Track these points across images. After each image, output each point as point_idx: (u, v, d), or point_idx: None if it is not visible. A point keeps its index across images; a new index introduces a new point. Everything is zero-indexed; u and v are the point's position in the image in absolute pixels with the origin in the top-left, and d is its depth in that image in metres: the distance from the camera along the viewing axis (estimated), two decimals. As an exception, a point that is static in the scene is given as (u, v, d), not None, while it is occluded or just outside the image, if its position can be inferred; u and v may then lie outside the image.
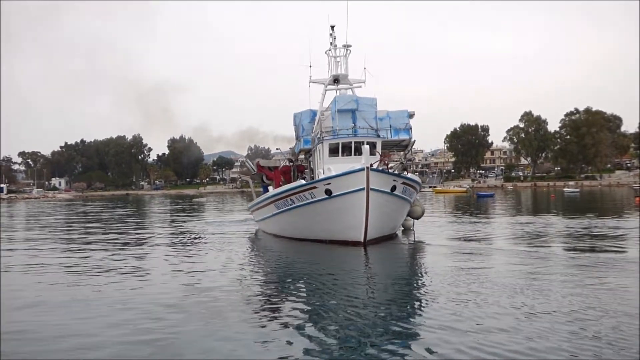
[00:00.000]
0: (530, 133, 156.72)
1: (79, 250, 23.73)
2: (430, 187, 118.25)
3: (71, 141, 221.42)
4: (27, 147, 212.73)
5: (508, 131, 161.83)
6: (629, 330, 9.13)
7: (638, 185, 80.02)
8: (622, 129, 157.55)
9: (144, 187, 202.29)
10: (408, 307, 11.55)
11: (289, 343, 9.08)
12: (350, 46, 28.73)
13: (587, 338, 8.69)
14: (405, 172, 23.69)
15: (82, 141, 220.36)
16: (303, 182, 23.91)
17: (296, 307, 11.58)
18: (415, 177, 25.60)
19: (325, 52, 29.22)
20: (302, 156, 32.27)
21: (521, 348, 8.29)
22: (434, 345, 8.61)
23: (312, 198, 22.16)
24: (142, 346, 9.06)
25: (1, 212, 67.27)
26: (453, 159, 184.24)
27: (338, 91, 29.23)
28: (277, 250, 23.26)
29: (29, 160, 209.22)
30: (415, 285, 14.41)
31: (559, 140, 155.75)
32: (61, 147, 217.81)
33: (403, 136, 28.37)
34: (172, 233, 31.75)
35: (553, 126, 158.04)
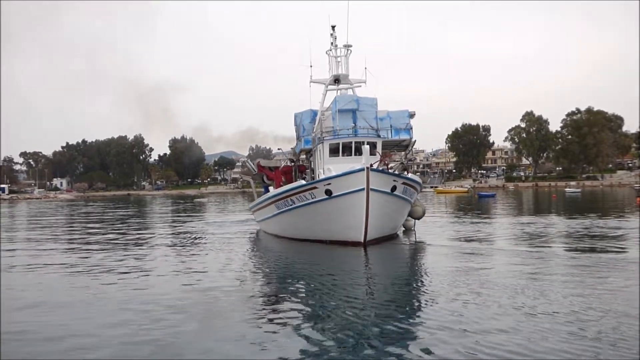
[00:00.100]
0: (532, 133, 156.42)
1: (80, 250, 23.73)
2: (431, 187, 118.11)
3: (71, 141, 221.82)
4: (27, 147, 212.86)
5: (509, 131, 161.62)
6: (629, 330, 9.11)
7: (639, 185, 79.90)
8: (624, 129, 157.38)
9: (145, 188, 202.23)
10: (407, 308, 11.54)
11: (289, 343, 9.08)
12: (351, 46, 28.76)
13: (587, 339, 8.69)
14: (405, 173, 23.67)
15: (84, 141, 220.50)
16: (303, 182, 23.91)
17: (296, 308, 11.59)
18: (416, 177, 25.58)
19: (326, 52, 29.24)
20: (303, 156, 32.28)
21: (521, 349, 8.28)
22: (434, 346, 8.61)
23: (313, 198, 22.15)
24: (142, 346, 9.07)
25: (3, 212, 67.32)
26: (454, 159, 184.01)
27: (339, 91, 29.24)
28: (277, 250, 23.26)
29: (30, 160, 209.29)
30: (414, 285, 14.38)
31: (560, 140, 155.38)
32: (62, 147, 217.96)
33: (404, 136, 28.36)
34: (173, 233, 31.76)
35: (554, 126, 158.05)
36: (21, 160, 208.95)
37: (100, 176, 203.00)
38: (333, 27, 28.99)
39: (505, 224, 32.26)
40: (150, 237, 29.60)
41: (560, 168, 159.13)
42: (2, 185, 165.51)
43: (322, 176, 23.58)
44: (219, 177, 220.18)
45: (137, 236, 30.58)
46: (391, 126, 27.93)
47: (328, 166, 24.78)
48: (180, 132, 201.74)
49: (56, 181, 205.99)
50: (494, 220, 36.47)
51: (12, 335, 9.89)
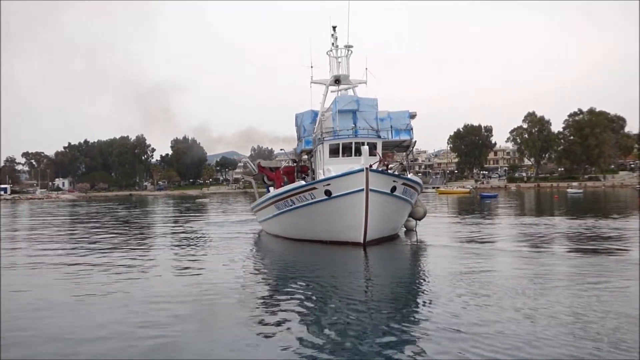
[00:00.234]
0: (534, 134, 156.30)
1: (81, 249, 23.73)
2: (433, 187, 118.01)
3: (71, 141, 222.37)
4: (27, 148, 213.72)
5: (511, 132, 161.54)
6: (629, 331, 9.10)
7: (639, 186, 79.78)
8: (626, 129, 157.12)
9: (147, 188, 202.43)
10: (407, 309, 11.48)
11: (287, 344, 9.06)
12: (351, 47, 28.79)
13: (587, 339, 8.66)
14: (405, 173, 23.64)
15: (86, 141, 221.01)
16: (303, 182, 23.89)
17: (295, 308, 11.55)
18: (416, 178, 25.53)
19: (327, 53, 29.27)
20: (305, 157, 32.28)
21: (521, 349, 8.26)
22: (433, 347, 8.59)
23: (312, 199, 22.13)
24: (142, 346, 9.07)
25: (5, 213, 67.41)
26: (456, 160, 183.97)
27: (339, 92, 29.25)
28: (277, 250, 23.26)
29: (32, 160, 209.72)
30: (414, 286, 14.35)
31: (562, 141, 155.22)
32: (65, 147, 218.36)
33: (404, 137, 28.35)
34: (174, 233, 31.77)
35: (556, 127, 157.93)
36: (23, 160, 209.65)
37: (102, 176, 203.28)
38: (334, 27, 29.01)
39: (507, 225, 32.22)
40: (152, 237, 29.63)
41: (563, 169, 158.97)
42: (4, 186, 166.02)
43: (322, 177, 23.56)
44: (221, 178, 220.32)
45: (139, 236, 30.59)
46: (391, 127, 27.91)
47: (328, 167, 24.77)
48: (180, 132, 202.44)
49: (58, 181, 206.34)
50: (496, 221, 36.42)
51: (12, 334, 9.89)
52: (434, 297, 12.20)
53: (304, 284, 14.45)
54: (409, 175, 24.63)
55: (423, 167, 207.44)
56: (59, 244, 26.54)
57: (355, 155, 24.50)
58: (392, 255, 20.83)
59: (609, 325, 9.45)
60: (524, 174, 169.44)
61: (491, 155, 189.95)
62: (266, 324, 10.32)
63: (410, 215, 27.19)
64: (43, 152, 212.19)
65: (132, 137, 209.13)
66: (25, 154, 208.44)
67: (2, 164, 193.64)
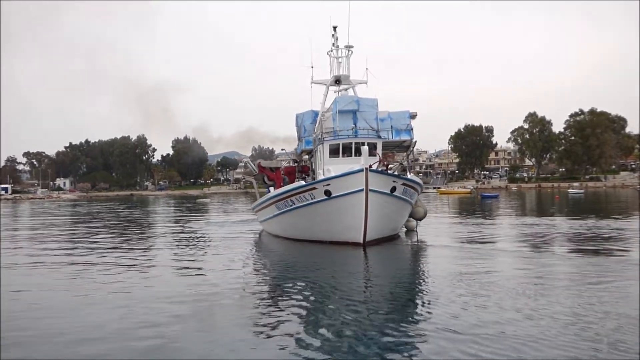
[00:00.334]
0: (535, 134, 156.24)
1: (82, 249, 23.75)
2: (434, 188, 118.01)
3: (72, 141, 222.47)
4: (27, 148, 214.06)
5: (512, 132, 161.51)
6: (629, 332, 9.09)
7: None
8: (627, 130, 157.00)
9: (148, 188, 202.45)
10: (406, 309, 11.46)
11: (287, 344, 9.06)
12: (352, 47, 28.80)
13: (587, 340, 8.65)
14: (405, 173, 23.61)
15: (87, 141, 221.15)
16: (303, 183, 23.88)
17: (294, 309, 11.54)
18: (416, 178, 25.50)
19: (327, 53, 29.27)
20: (306, 157, 32.28)
21: (521, 350, 8.25)
22: (432, 347, 8.58)
23: (312, 199, 22.12)
24: (141, 346, 9.07)
25: (6, 212, 67.46)
26: (457, 160, 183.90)
27: (339, 92, 29.24)
28: (277, 251, 23.23)
29: (33, 160, 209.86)
30: (413, 286, 14.32)
31: (563, 141, 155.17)
32: (66, 147, 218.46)
33: (404, 137, 28.33)
34: (175, 233, 31.76)
35: (557, 127, 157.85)
36: (24, 160, 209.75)
37: (103, 176, 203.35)
38: (334, 27, 29.00)
39: (507, 225, 32.19)
40: (152, 237, 29.64)
41: (563, 169, 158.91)
42: (6, 186, 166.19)
43: (322, 177, 23.56)
44: (222, 178, 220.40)
45: (139, 236, 30.62)
46: (392, 127, 27.89)
47: (328, 167, 24.77)
48: (180, 132, 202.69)
49: (59, 181, 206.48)
50: (497, 221, 36.38)
51: (12, 333, 9.89)
52: (434, 298, 12.18)
53: (303, 284, 14.43)
54: (409, 176, 24.62)
55: (424, 167, 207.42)
56: (60, 244, 26.55)
57: (356, 155, 24.47)
58: (392, 256, 20.80)
59: (609, 326, 9.44)
60: (525, 174, 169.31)
61: (492, 155, 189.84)
62: (266, 325, 10.30)
63: (411, 216, 27.18)
64: (44, 152, 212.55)
65: (133, 137, 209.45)
66: (27, 154, 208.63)
67: (3, 164, 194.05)
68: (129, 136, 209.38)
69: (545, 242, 22.91)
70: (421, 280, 15.15)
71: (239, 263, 18.69)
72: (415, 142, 29.08)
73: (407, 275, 16.53)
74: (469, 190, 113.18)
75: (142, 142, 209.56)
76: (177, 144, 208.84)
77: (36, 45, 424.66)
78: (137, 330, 9.97)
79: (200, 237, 28.67)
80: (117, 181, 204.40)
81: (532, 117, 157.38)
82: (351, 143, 25.24)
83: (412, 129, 28.48)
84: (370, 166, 20.55)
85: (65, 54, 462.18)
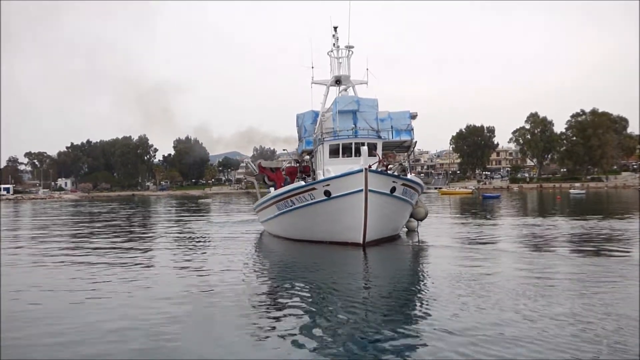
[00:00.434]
0: (536, 134, 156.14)
1: (82, 248, 23.75)
2: (435, 188, 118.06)
3: (72, 141, 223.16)
4: (27, 148, 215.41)
5: (514, 132, 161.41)
6: (629, 332, 9.07)
7: None
8: (629, 130, 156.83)
9: (149, 188, 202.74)
10: (405, 310, 11.42)
11: (286, 345, 9.05)
12: (352, 47, 28.82)
13: (586, 340, 8.64)
14: (405, 173, 23.57)
15: (88, 142, 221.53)
16: (302, 183, 23.87)
17: (293, 309, 11.52)
18: (416, 179, 25.47)
19: (328, 54, 29.28)
20: (307, 157, 32.28)
21: (520, 350, 8.24)
22: (431, 348, 8.56)
23: (312, 199, 22.10)
24: (141, 346, 9.07)
25: (8, 213, 67.55)
26: (459, 160, 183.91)
27: (339, 92, 29.26)
28: (277, 251, 23.20)
29: (35, 160, 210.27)
30: (413, 287, 14.27)
31: (565, 141, 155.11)
32: (67, 147, 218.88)
33: (404, 137, 28.34)
34: (176, 233, 31.77)
35: (558, 127, 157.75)
36: (26, 160, 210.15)
37: (104, 176, 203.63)
38: (335, 28, 29.00)
39: (509, 226, 32.13)
40: (153, 237, 29.62)
41: (565, 169, 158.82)
42: (7, 186, 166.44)
43: (322, 177, 23.55)
44: (223, 178, 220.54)
45: (140, 236, 30.61)
46: (392, 127, 27.89)
47: (327, 167, 24.77)
48: (180, 132, 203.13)
49: (61, 181, 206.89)
50: (498, 221, 36.31)
51: (12, 335, 9.87)
52: (433, 298, 12.14)
53: (302, 284, 14.41)
54: (409, 176, 24.59)
55: (425, 167, 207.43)
56: (60, 244, 26.53)
57: (355, 155, 24.45)
58: (392, 256, 20.73)
59: (609, 327, 9.40)
60: (527, 175, 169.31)
61: (493, 155, 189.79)
62: (264, 325, 10.28)
63: (412, 216, 27.15)
64: (45, 152, 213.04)
65: (135, 137, 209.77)
66: (28, 154, 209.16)
67: (5, 164, 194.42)
68: (130, 136, 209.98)
69: (546, 242, 22.86)
70: (421, 281, 15.10)
71: (238, 263, 18.66)
72: (416, 142, 29.10)
73: (406, 276, 16.47)
74: (471, 190, 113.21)
75: (143, 143, 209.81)
76: (179, 144, 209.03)
77: (36, 45, 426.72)
78: (137, 331, 9.95)
79: (201, 237, 28.65)
80: (119, 181, 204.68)
81: (533, 118, 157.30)
82: (351, 143, 25.22)
83: (412, 129, 28.48)
84: (370, 166, 20.54)
85: (65, 54, 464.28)
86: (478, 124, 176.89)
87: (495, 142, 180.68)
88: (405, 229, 27.99)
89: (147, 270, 17.65)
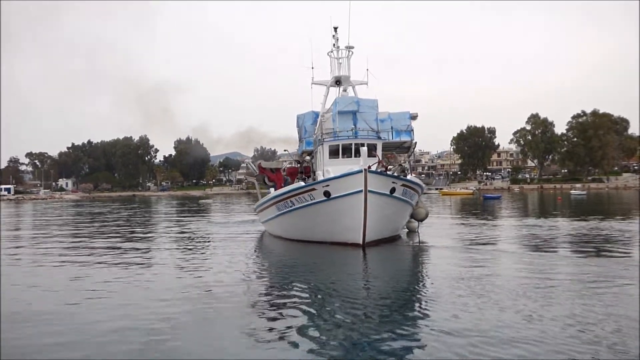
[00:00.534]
0: (537, 135, 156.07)
1: (83, 248, 23.77)
2: (436, 189, 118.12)
3: (72, 141, 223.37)
4: (27, 148, 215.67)
5: (515, 133, 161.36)
6: (629, 333, 9.06)
7: None
8: (630, 131, 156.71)
9: (150, 189, 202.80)
10: (404, 310, 11.37)
11: (284, 345, 9.05)
12: (352, 47, 28.82)
13: (586, 341, 8.62)
14: (405, 174, 23.55)
15: (89, 142, 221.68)
16: (302, 183, 23.85)
17: (292, 310, 11.50)
18: (416, 179, 25.44)
19: (328, 54, 29.26)
20: (308, 157, 32.28)
21: (520, 351, 8.23)
22: (430, 348, 8.54)
23: (311, 200, 22.09)
24: (141, 346, 9.06)
25: (9, 212, 67.58)
26: (459, 161, 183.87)
27: (340, 92, 29.25)
28: (277, 251, 23.18)
29: (36, 161, 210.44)
30: (412, 287, 14.25)
31: (565, 142, 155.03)
32: (68, 148, 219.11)
33: (405, 138, 28.33)
34: (177, 234, 31.78)
35: (559, 128, 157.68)
36: (27, 160, 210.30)
37: (105, 177, 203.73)
38: (335, 28, 29.00)
39: (510, 226, 32.11)
40: (154, 238, 29.61)
41: (566, 170, 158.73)
42: (8, 186, 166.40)
43: (321, 178, 23.54)
44: (224, 178, 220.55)
45: (141, 236, 30.62)
46: (392, 128, 27.89)
47: (327, 168, 24.76)
48: (180, 132, 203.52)
49: (62, 182, 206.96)
50: (499, 222, 36.30)
51: (11, 336, 9.86)
52: (431, 299, 12.12)
53: (301, 285, 14.39)
54: (410, 177, 24.56)
55: (426, 168, 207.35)
56: (60, 244, 26.49)
57: (355, 156, 24.43)
58: (391, 257, 20.70)
59: (609, 328, 9.38)
60: (527, 176, 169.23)
61: (494, 156, 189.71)
62: (264, 325, 10.27)
63: (412, 217, 27.13)
64: (47, 153, 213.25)
65: (136, 138, 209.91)
66: (29, 155, 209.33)
67: (6, 165, 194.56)
68: (131, 137, 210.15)
69: (548, 243, 22.84)
70: (420, 281, 15.09)
71: (238, 264, 18.64)
72: (416, 143, 29.09)
73: (406, 276, 16.46)
74: (472, 191, 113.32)
75: (144, 143, 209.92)
76: (180, 145, 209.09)
77: (36, 45, 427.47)
78: (136, 331, 9.94)
79: (201, 237, 28.64)
80: (120, 182, 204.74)
81: (534, 119, 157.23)
82: (351, 144, 25.21)
83: (412, 130, 28.47)
84: (370, 167, 20.51)
85: (65, 54, 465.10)
86: (478, 125, 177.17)
87: (496, 143, 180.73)
88: (406, 230, 27.98)
89: (146, 270, 17.63)
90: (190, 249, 23.25)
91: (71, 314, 11.51)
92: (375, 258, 19.58)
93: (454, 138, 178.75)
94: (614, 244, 21.80)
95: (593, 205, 58.20)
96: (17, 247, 25.47)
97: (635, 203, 57.67)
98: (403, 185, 22.30)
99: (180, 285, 14.51)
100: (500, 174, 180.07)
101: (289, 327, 10.05)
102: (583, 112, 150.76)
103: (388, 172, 22.67)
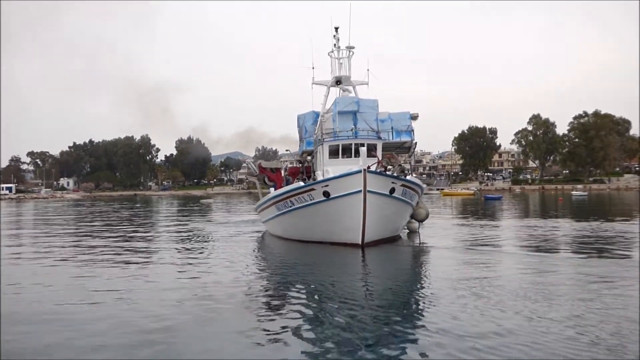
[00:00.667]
0: (539, 136, 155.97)
1: (84, 247, 23.78)
2: (437, 189, 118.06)
3: (72, 141, 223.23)
4: (27, 147, 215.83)
5: (516, 134, 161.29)
6: (629, 334, 9.04)
7: None
8: (631, 132, 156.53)
9: (151, 188, 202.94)
10: (402, 311, 11.32)
11: (285, 345, 9.05)
12: (353, 48, 28.76)
13: (585, 343, 8.59)
14: (403, 174, 23.51)
15: (90, 141, 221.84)
16: (302, 184, 23.83)
17: (290, 310, 11.49)
18: (416, 180, 25.39)
19: (328, 54, 29.24)
20: (309, 157, 32.28)
21: (519, 352, 8.20)
22: (430, 349, 8.53)
23: (311, 200, 22.08)
24: (141, 346, 9.06)
25: (10, 212, 67.67)
26: (461, 162, 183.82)
27: (340, 93, 29.23)
28: (276, 252, 23.16)
29: (37, 160, 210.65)
30: (411, 288, 14.22)
31: (567, 143, 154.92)
32: (69, 147, 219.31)
33: (405, 138, 28.30)
34: (177, 233, 31.79)
35: (560, 129, 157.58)
36: (28, 160, 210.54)
37: (107, 176, 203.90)
38: (336, 28, 28.96)
39: (511, 227, 32.08)
40: (154, 237, 29.64)
41: (567, 171, 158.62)
42: (10, 185, 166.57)
43: (321, 178, 23.52)
44: (225, 178, 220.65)
45: (141, 235, 30.65)
46: (392, 128, 27.85)
47: (327, 168, 24.75)
48: (180, 132, 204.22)
49: (63, 181, 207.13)
50: (500, 223, 36.27)
51: (11, 337, 9.83)
52: (430, 300, 12.08)
53: (300, 285, 14.37)
54: (410, 177, 24.51)
55: (427, 168, 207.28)
56: (61, 244, 26.46)
57: (355, 156, 24.39)
58: (390, 257, 20.65)
59: (609, 329, 9.35)
60: (529, 176, 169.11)
61: (496, 157, 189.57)
62: (262, 326, 10.26)
63: (413, 217, 27.09)
64: (48, 152, 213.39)
65: (137, 137, 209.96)
66: (30, 154, 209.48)
67: (7, 164, 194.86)
68: (132, 136, 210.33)
69: (549, 244, 22.82)
70: (419, 282, 15.05)
71: (238, 264, 18.62)
72: (416, 143, 29.06)
73: (405, 277, 16.38)
74: (473, 191, 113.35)
75: (145, 142, 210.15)
76: (181, 144, 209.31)
77: (36, 45, 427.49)
78: (135, 330, 9.97)
79: (201, 237, 28.64)
80: (121, 181, 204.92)
81: (535, 119, 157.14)
82: (351, 144, 25.18)
83: (412, 130, 28.43)
84: (369, 167, 20.47)
85: (65, 54, 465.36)
86: (479, 125, 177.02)
87: (498, 144, 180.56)
88: (407, 230, 27.94)
89: (147, 270, 17.65)
90: (190, 249, 23.24)
91: (71, 313, 11.50)
92: (375, 258, 19.54)
93: (455, 138, 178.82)
94: (615, 245, 21.77)
95: (594, 207, 58.15)
96: (17, 246, 25.49)
97: (636, 204, 57.59)
98: (403, 185, 22.26)
99: (180, 285, 14.52)
100: (501, 175, 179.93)
101: (288, 328, 10.02)
102: (585, 112, 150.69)
103: (387, 172, 22.63)
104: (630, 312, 10.49)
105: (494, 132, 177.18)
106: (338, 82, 28.99)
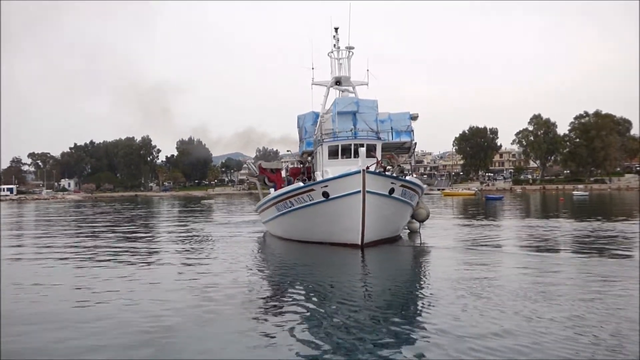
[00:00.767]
0: (540, 136, 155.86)
1: (85, 248, 23.79)
2: (438, 189, 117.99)
3: (72, 142, 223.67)
4: (27, 148, 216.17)
5: (517, 134, 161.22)
6: (629, 334, 9.03)
7: None
8: (632, 132, 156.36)
9: (152, 189, 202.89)
10: (403, 311, 11.32)
11: (285, 345, 9.03)
12: (353, 48, 28.75)
13: (585, 343, 8.58)
14: (403, 174, 23.50)
15: (91, 142, 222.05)
16: (301, 184, 23.82)
17: (290, 310, 11.49)
18: (416, 180, 25.37)
19: (328, 54, 29.22)
20: (309, 158, 32.29)
21: (518, 353, 8.19)
22: (430, 349, 8.52)
23: (310, 200, 22.07)
24: (141, 346, 9.06)
25: (12, 212, 67.72)
26: (462, 162, 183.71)
27: (340, 93, 29.23)
28: (276, 252, 23.17)
29: (38, 161, 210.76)
30: (411, 288, 14.20)
31: (568, 143, 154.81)
32: (70, 148, 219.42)
33: (404, 138, 28.29)
34: (178, 233, 31.81)
35: (561, 129, 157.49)
36: (29, 161, 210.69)
37: (107, 177, 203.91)
38: (336, 29, 28.95)
39: (512, 227, 32.06)
40: (155, 237, 29.66)
41: (568, 171, 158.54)
42: (11, 186, 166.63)
43: (320, 178, 23.53)
44: (226, 179, 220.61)
45: (142, 236, 30.67)
46: (392, 128, 27.86)
47: (326, 168, 24.75)
48: (180, 132, 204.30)
49: (64, 182, 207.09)
50: (501, 223, 36.24)
51: (11, 338, 9.82)
52: (430, 300, 12.09)
53: (300, 286, 14.38)
54: (409, 177, 24.50)
55: (428, 169, 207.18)
56: (62, 245, 26.49)
57: (355, 157, 24.34)
58: (390, 257, 20.63)
59: (609, 329, 9.35)
60: (530, 176, 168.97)
61: (496, 157, 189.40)
62: (262, 326, 10.26)
63: (413, 217, 27.07)
64: (49, 153, 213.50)
65: (138, 138, 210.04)
66: (31, 155, 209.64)
67: (8, 165, 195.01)
68: (133, 137, 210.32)
69: (549, 244, 22.81)
70: (418, 282, 15.04)
71: (238, 264, 18.61)
72: (416, 143, 29.05)
73: (404, 277, 16.38)
74: (474, 192, 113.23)
75: (146, 143, 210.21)
76: (182, 145, 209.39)
77: (36, 45, 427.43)
78: (135, 330, 9.99)
79: (202, 237, 28.65)
80: (122, 182, 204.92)
81: (536, 119, 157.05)
82: (350, 144, 25.16)
83: (412, 131, 28.42)
84: (368, 168, 20.46)
85: (65, 54, 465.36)
86: (480, 125, 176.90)
87: (498, 144, 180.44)
88: (408, 230, 27.92)
89: (147, 270, 17.67)
90: (190, 250, 23.23)
91: (71, 313, 11.52)
92: (374, 259, 19.52)
93: (456, 139, 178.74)
94: (616, 245, 21.75)
95: (595, 206, 58.11)
96: (18, 247, 25.49)
97: (637, 204, 57.53)
98: (402, 185, 22.24)
99: (180, 286, 14.52)
100: (502, 175, 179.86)
101: (287, 328, 10.02)
102: (585, 112, 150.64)
103: (387, 173, 22.60)
104: (630, 312, 10.48)
105: (494, 132, 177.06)
106: (338, 82, 28.99)
